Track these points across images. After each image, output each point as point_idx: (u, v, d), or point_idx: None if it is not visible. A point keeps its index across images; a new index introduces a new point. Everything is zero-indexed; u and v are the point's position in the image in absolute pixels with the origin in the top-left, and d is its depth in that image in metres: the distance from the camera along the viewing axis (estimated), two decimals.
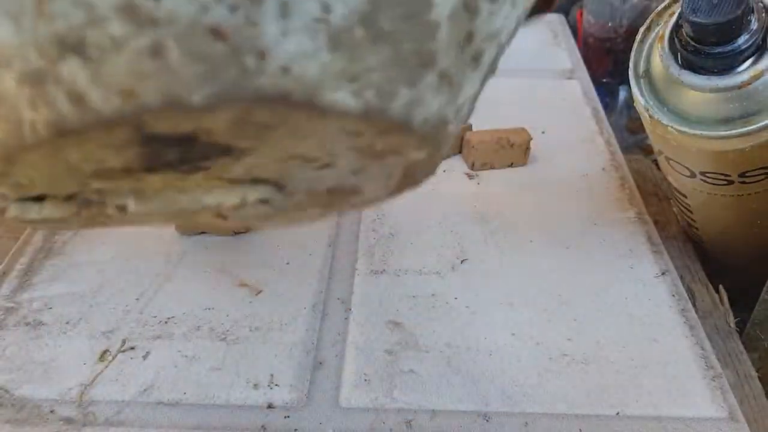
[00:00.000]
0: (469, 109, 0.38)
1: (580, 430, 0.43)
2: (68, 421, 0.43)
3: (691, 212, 0.57)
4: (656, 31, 0.50)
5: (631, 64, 0.51)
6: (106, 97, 0.20)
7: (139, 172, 0.29)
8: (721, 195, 0.51)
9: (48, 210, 0.36)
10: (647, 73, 0.50)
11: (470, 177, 0.68)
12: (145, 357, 0.48)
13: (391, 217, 0.63)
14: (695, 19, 0.44)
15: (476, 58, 0.31)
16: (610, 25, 0.89)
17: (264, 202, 0.34)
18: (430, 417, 0.44)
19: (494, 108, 0.77)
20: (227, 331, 0.51)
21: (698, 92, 0.46)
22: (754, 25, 0.44)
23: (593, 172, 0.70)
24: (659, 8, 0.50)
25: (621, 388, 0.46)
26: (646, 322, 0.52)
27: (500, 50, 0.34)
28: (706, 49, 0.45)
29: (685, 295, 0.55)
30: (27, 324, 0.50)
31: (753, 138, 0.45)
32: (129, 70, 0.20)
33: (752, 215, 0.53)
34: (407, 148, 0.32)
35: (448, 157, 0.69)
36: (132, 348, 0.49)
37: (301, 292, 0.54)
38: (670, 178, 0.56)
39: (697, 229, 0.59)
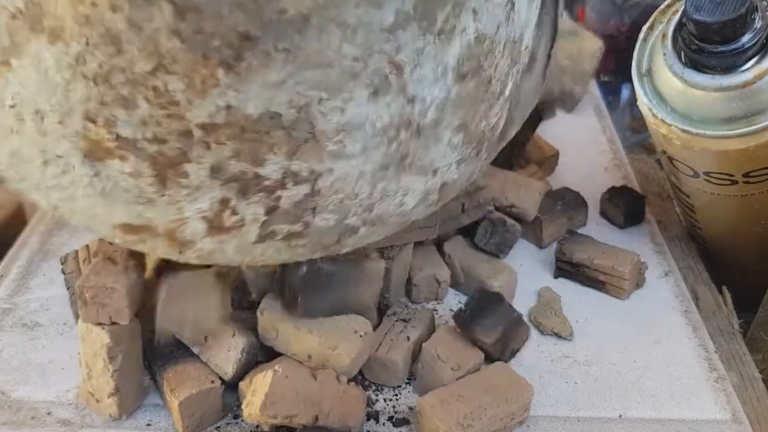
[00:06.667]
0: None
1: None
2: (65, 423, 0.43)
3: (694, 212, 0.57)
4: (659, 29, 0.49)
5: (633, 63, 0.50)
6: None
7: None
8: (725, 195, 0.51)
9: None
10: (650, 71, 0.49)
11: None
12: None
13: None
14: (699, 18, 0.43)
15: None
16: (612, 23, 0.88)
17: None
18: None
19: None
20: None
21: (702, 91, 0.45)
22: (758, 24, 0.44)
23: (595, 172, 0.70)
24: (662, 6, 0.50)
25: (623, 389, 0.46)
26: (648, 324, 0.51)
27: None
28: (709, 47, 0.44)
29: (689, 295, 0.54)
30: (24, 325, 0.50)
31: (757, 137, 0.45)
32: None
33: (756, 215, 0.52)
34: None
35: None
36: None
37: None
38: (673, 178, 0.55)
39: (700, 229, 0.59)
